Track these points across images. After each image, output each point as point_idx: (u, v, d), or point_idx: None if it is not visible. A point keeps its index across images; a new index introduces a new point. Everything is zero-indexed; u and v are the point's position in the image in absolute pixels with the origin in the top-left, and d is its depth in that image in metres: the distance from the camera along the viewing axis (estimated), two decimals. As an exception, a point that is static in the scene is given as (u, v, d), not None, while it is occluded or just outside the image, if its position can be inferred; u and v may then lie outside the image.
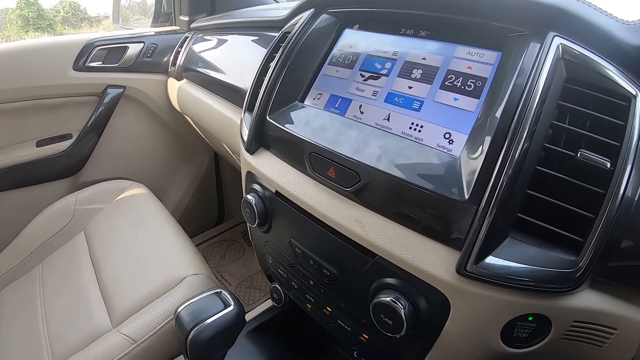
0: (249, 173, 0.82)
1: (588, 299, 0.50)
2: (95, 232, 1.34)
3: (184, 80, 1.52)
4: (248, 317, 0.97)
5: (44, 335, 1.05)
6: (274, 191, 0.75)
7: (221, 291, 0.69)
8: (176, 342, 0.94)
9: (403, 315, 0.55)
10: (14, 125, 1.50)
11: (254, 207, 0.77)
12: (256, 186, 0.79)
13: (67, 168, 1.61)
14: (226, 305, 0.66)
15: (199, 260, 1.15)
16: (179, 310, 0.65)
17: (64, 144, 1.59)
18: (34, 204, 1.50)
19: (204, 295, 0.68)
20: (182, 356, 0.90)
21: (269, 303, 1.01)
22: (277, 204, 0.75)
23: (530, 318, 0.51)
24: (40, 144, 1.56)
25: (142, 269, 1.15)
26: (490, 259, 0.48)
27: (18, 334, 1.10)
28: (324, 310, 0.75)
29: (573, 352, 0.55)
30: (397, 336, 0.57)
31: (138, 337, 0.95)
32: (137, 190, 1.48)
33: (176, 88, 1.55)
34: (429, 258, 0.53)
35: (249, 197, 0.78)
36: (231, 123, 1.10)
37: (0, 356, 1.05)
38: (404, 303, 0.55)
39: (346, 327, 0.71)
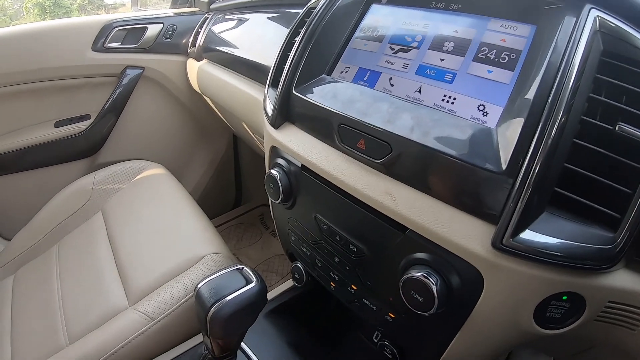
0: (272, 148, 0.80)
1: (624, 279, 0.48)
2: (113, 212, 1.33)
3: (204, 61, 1.51)
4: (269, 296, 0.95)
5: (59, 314, 1.05)
6: (299, 165, 0.73)
7: (243, 267, 0.67)
8: (194, 321, 0.95)
9: (435, 292, 0.52)
10: (32, 106, 1.51)
11: (278, 182, 0.75)
12: (280, 161, 0.77)
13: (85, 149, 1.62)
14: (248, 282, 0.64)
15: (217, 239, 1.14)
16: (199, 286, 0.63)
17: (82, 125, 1.59)
18: (52, 184, 1.51)
19: (225, 271, 0.66)
20: (200, 335, 0.89)
21: (287, 285, 0.99)
22: (302, 179, 0.74)
23: (564, 297, 0.49)
24: (58, 124, 1.56)
25: (160, 247, 1.14)
26: (527, 233, 0.46)
27: (34, 313, 1.09)
28: (349, 288, 0.73)
29: (603, 336, 0.53)
30: (427, 314, 0.55)
31: (155, 315, 0.94)
32: (155, 171, 1.46)
33: (196, 69, 1.54)
34: (463, 231, 0.51)
35: (273, 171, 0.76)
36: (253, 101, 1.09)
37: (16, 336, 1.05)
38: (435, 279, 0.53)
39: (371, 306, 0.69)
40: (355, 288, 0.72)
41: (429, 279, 0.53)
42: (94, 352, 0.90)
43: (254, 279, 0.64)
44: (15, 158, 1.51)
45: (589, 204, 0.46)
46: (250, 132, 1.36)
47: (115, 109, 1.63)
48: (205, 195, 1.94)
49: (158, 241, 1.16)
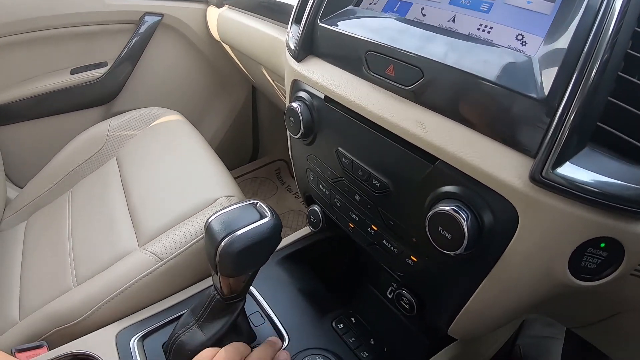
0: (294, 81, 0.76)
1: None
2: (127, 157, 1.30)
3: (225, 7, 1.46)
4: (280, 245, 0.91)
5: (69, 257, 1.03)
6: (322, 97, 0.69)
7: (257, 202, 0.62)
8: (204, 263, 0.90)
9: (465, 228, 0.48)
10: (48, 53, 1.48)
11: (299, 115, 0.71)
12: (302, 94, 0.73)
13: (101, 96, 1.59)
14: (262, 216, 0.59)
15: (232, 184, 1.11)
16: (210, 219, 0.59)
17: (99, 72, 1.56)
18: (67, 132, 1.49)
19: (238, 205, 0.62)
20: (210, 279, 0.86)
21: (301, 233, 0.96)
22: (324, 111, 0.69)
23: (602, 245, 0.44)
24: (74, 71, 1.54)
25: (173, 191, 1.11)
26: (568, 167, 0.42)
27: (43, 257, 1.08)
28: (369, 229, 0.69)
29: (633, 297, 0.49)
30: (453, 254, 0.50)
31: (164, 255, 0.91)
32: (172, 117, 1.43)
33: (216, 16, 1.49)
34: (499, 163, 0.47)
35: (294, 104, 0.72)
36: (275, 43, 1.05)
37: (25, 280, 1.04)
38: (466, 214, 0.48)
39: (392, 248, 0.65)
40: (375, 229, 0.67)
41: (459, 214, 0.48)
42: (101, 292, 0.88)
43: (269, 214, 0.60)
44: (31, 105, 1.49)
45: (634, 143, 0.41)
46: (270, 80, 1.32)
47: (132, 57, 1.59)
48: (221, 147, 1.91)
49: (171, 185, 1.13)
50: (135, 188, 1.17)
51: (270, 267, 0.88)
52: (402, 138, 0.56)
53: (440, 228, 0.51)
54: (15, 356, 0.77)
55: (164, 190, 1.13)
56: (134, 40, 1.56)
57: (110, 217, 1.11)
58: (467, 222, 0.48)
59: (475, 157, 0.48)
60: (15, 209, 1.33)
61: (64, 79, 1.52)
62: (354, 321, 0.80)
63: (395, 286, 0.81)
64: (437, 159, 0.52)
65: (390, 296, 0.85)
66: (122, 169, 1.27)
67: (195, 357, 0.61)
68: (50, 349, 0.76)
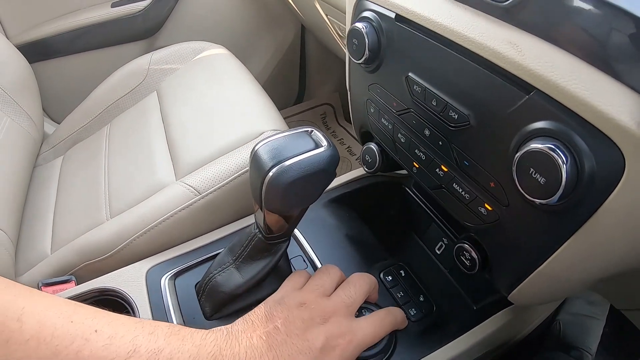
0: (358, 1, 0.68)
1: None
2: (169, 91, 1.26)
3: None
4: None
5: (103, 191, 1.01)
6: (392, 16, 0.60)
7: (312, 130, 0.55)
8: (247, 199, 0.85)
9: (564, 171, 0.40)
10: None
11: (365, 37, 0.62)
12: (368, 13, 0.64)
13: (143, 30, 1.57)
14: (318, 146, 0.52)
15: (279, 118, 1.05)
16: (257, 147, 0.52)
17: (141, 5, 1.54)
18: (107, 66, 1.45)
19: (290, 132, 0.54)
20: (251, 216, 0.81)
21: (350, 175, 0.89)
22: (395, 32, 0.61)
23: None
24: (115, 4, 1.52)
25: (215, 123, 1.05)
26: None
27: (78, 191, 1.07)
28: (437, 170, 0.61)
29: None
30: (542, 203, 0.43)
31: (203, 189, 0.86)
32: (216, 51, 1.36)
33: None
34: (609, 99, 0.39)
35: (358, 25, 0.63)
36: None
37: (59, 213, 1.04)
38: (565, 156, 0.41)
39: (464, 193, 0.57)
40: (446, 170, 0.60)
41: (557, 154, 0.41)
42: (133, 226, 0.85)
43: (325, 143, 0.52)
44: (70, 39, 1.49)
45: None
46: (322, 13, 1.24)
47: (176, -11, 1.54)
48: (266, 86, 1.84)
49: (214, 118, 1.08)
50: (176, 121, 1.12)
51: (315, 209, 0.82)
52: (490, 62, 0.48)
53: (532, 170, 0.43)
54: (41, 290, 0.75)
55: (206, 123, 1.07)
56: (178, -29, 1.50)
57: (148, 150, 1.07)
58: (566, 164, 0.40)
59: (581, 89, 0.40)
60: (52, 144, 1.32)
61: (104, 12, 1.51)
62: (403, 274, 0.74)
63: (445, 242, 0.76)
64: (534, 88, 0.44)
65: (439, 252, 0.78)
66: (162, 103, 1.23)
67: (288, 279, 0.61)
68: (78, 283, 0.73)
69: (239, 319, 0.53)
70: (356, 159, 1.86)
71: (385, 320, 0.58)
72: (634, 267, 0.47)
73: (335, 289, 0.58)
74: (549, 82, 0.42)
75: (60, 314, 0.41)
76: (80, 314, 0.43)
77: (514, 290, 0.57)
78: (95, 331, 0.41)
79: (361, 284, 0.59)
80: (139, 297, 0.68)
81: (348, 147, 1.92)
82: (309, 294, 0.56)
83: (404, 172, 0.85)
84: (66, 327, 0.41)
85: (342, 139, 1.97)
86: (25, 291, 0.42)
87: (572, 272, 0.50)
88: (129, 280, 0.71)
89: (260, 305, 0.55)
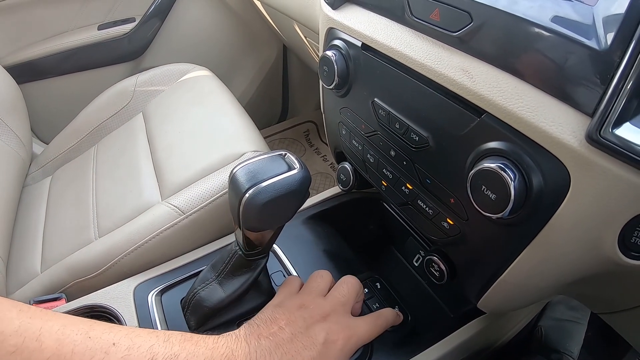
0: (329, 30, 0.71)
1: None
2: (154, 112, 1.28)
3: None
4: (306, 204, 0.89)
5: (92, 210, 1.03)
6: (359, 45, 0.64)
7: (286, 153, 0.59)
8: (227, 218, 0.88)
9: (512, 188, 0.44)
10: (75, 9, 1.50)
11: (334, 64, 0.66)
12: (337, 42, 0.68)
13: (129, 52, 1.60)
14: (290, 168, 0.55)
15: (260, 140, 1.08)
16: (235, 169, 0.55)
17: (126, 28, 1.57)
18: (94, 87, 1.48)
19: (266, 155, 0.58)
20: (232, 235, 0.84)
21: (328, 193, 0.92)
22: (361, 60, 0.65)
23: None
24: (102, 27, 1.55)
25: (199, 145, 1.09)
26: (629, 129, 0.37)
27: (67, 210, 1.09)
28: (403, 188, 0.64)
29: None
30: (495, 217, 0.46)
31: (187, 209, 0.89)
32: (200, 73, 1.40)
33: (247, -31, 1.44)
34: (552, 119, 0.42)
35: (328, 53, 0.67)
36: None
37: (48, 232, 1.05)
38: (513, 173, 0.44)
39: (427, 209, 0.61)
40: (410, 187, 0.63)
41: (506, 172, 0.44)
42: (122, 244, 0.87)
43: (298, 165, 0.56)
44: (58, 61, 1.51)
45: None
46: (302, 36, 1.28)
47: (160, 12, 1.59)
48: (250, 106, 1.88)
49: (198, 139, 1.11)
50: (161, 142, 1.15)
51: (294, 226, 0.85)
52: (445, 88, 0.52)
53: (483, 187, 0.47)
54: None
55: (190, 144, 1.10)
56: (162, -4, 1.53)
57: (135, 170, 1.10)
58: (514, 182, 0.44)
59: (526, 111, 0.44)
60: (40, 164, 1.34)
61: (91, 35, 1.53)
62: (379, 286, 0.76)
63: (422, 254, 0.79)
64: (484, 111, 0.48)
65: (416, 264, 0.81)
66: (148, 124, 1.25)
67: (284, 284, 0.64)
68: (68, 300, 0.75)
69: (244, 324, 0.55)
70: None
71: (379, 319, 0.62)
72: (588, 275, 0.49)
73: (329, 290, 0.62)
74: (497, 106, 0.46)
75: (78, 331, 0.42)
76: (97, 329, 0.44)
77: (482, 299, 0.60)
78: (114, 344, 0.42)
79: (352, 283, 0.63)
80: (128, 313, 0.70)
81: (331, 164, 1.94)
82: (307, 296, 0.59)
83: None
84: (85, 342, 0.41)
85: (325, 155, 1.99)
86: (39, 312, 0.43)
87: (532, 280, 0.52)
88: (118, 297, 0.73)
89: (262, 310, 0.58)
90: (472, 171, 0.47)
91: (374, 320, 0.61)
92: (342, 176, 0.83)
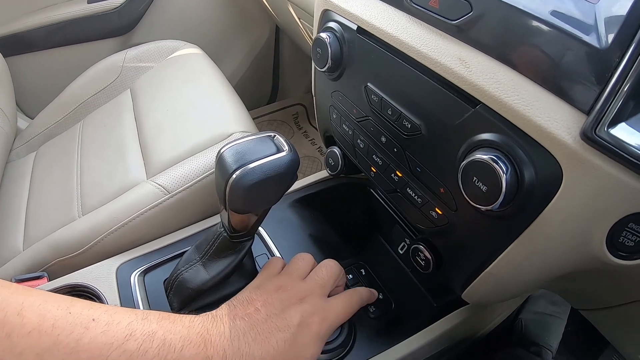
0: (324, 12, 0.70)
1: None
2: (142, 89, 1.26)
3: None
4: (293, 187, 0.88)
5: (76, 188, 1.02)
6: (354, 28, 0.63)
7: (275, 135, 0.57)
8: (213, 199, 0.87)
9: (503, 181, 0.43)
10: None
11: (328, 47, 0.65)
12: (332, 24, 0.67)
13: (118, 27, 1.56)
14: (279, 150, 0.55)
15: (248, 120, 1.07)
16: (222, 150, 0.54)
17: (117, 2, 1.53)
18: (81, 62, 1.45)
19: (254, 136, 0.56)
20: (218, 216, 0.82)
21: (315, 177, 0.91)
22: (356, 44, 0.64)
23: None
24: (91, 0, 1.51)
25: (186, 123, 1.07)
26: (624, 128, 0.37)
27: (51, 188, 1.07)
28: (392, 175, 0.64)
29: None
30: (485, 209, 0.46)
31: (172, 189, 0.88)
32: (190, 50, 1.37)
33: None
34: (547, 114, 0.42)
35: (322, 35, 0.66)
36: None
37: (31, 210, 1.04)
38: (505, 166, 0.44)
39: (416, 197, 0.60)
40: (400, 175, 0.63)
41: (498, 164, 0.44)
42: (105, 223, 0.86)
43: (286, 147, 0.55)
44: (45, 34, 1.48)
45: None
46: (295, 17, 1.26)
47: (152, -14, 1.54)
48: (239, 86, 1.86)
49: (185, 118, 1.10)
50: (148, 120, 1.13)
51: (280, 209, 0.85)
52: (441, 77, 0.51)
53: (475, 179, 0.46)
54: None
55: (177, 122, 1.09)
56: (154, -32, 1.50)
57: (120, 148, 1.08)
58: (506, 174, 0.43)
59: (522, 104, 0.43)
60: (25, 140, 1.32)
61: (80, 8, 1.49)
62: (363, 273, 0.76)
63: (408, 242, 0.78)
64: (479, 102, 0.47)
65: (401, 252, 0.81)
66: (135, 101, 1.23)
67: (266, 265, 0.65)
68: (50, 279, 0.75)
69: (223, 304, 0.55)
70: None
71: (353, 298, 0.62)
72: (573, 271, 0.49)
73: (309, 274, 0.62)
74: (493, 97, 0.45)
75: (59, 307, 0.43)
76: (78, 306, 0.44)
77: (467, 290, 0.59)
78: (93, 320, 0.43)
79: (332, 266, 0.63)
80: (110, 293, 0.70)
81: (319, 148, 1.94)
82: (286, 278, 0.60)
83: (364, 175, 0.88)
84: (66, 318, 0.42)
85: (314, 139, 1.99)
86: (21, 289, 0.44)
87: (518, 274, 0.52)
88: (100, 276, 0.73)
89: (241, 291, 0.59)
90: (464, 162, 0.47)
91: (348, 298, 0.61)
92: (330, 160, 0.82)
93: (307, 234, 0.82)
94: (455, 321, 0.70)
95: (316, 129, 1.99)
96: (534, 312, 1.02)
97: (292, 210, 0.86)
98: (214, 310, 0.54)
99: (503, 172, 0.43)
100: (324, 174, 0.91)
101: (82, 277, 0.72)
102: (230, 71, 1.85)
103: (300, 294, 0.57)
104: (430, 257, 0.63)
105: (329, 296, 0.61)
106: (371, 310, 0.70)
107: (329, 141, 0.84)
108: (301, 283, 0.59)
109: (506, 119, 0.45)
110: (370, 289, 0.68)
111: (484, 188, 0.45)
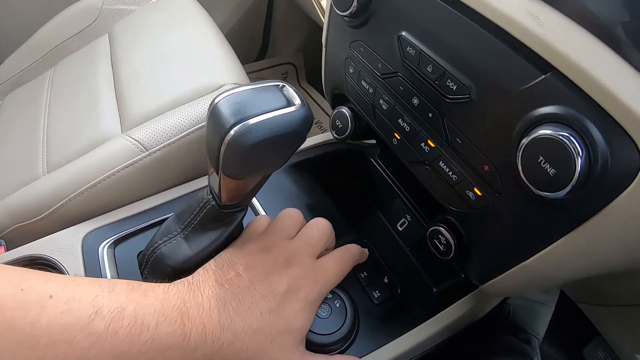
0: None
1: None
2: (122, 34, 1.16)
3: None
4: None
5: (41, 142, 0.93)
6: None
7: (284, 85, 0.48)
8: (198, 159, 0.80)
9: (578, 164, 0.36)
10: None
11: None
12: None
13: None
14: (290, 103, 0.45)
15: (241, 71, 0.97)
16: (217, 99, 0.44)
17: None
18: (57, 2, 1.35)
19: (258, 85, 0.47)
20: (203, 179, 0.76)
21: (314, 140, 0.84)
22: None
23: None
24: None
25: (170, 73, 0.97)
26: None
27: (14, 142, 0.98)
28: (422, 144, 0.56)
29: None
30: (543, 195, 0.40)
31: (150, 145, 0.78)
32: (177, -6, 1.28)
33: None
34: (633, 92, 0.35)
35: None
36: None
37: None
38: (580, 147, 0.37)
39: (451, 173, 0.53)
40: (432, 145, 0.54)
41: (573, 144, 0.36)
42: (71, 183, 0.77)
43: (298, 100, 0.46)
44: None
45: None
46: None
47: None
48: (228, 38, 1.75)
49: (169, 67, 0.99)
50: (127, 68, 1.03)
51: (275, 174, 0.77)
52: (506, 32, 0.43)
53: (541, 159, 0.39)
54: None
55: (160, 71, 0.98)
56: None
57: (94, 98, 0.98)
58: (581, 157, 0.37)
59: (605, 77, 0.37)
60: (-10, 87, 1.23)
61: None
62: (367, 253, 0.70)
63: (408, 219, 0.72)
64: (552, 68, 0.40)
65: (400, 229, 0.74)
66: (113, 47, 1.13)
67: (250, 223, 0.59)
68: (8, 248, 0.69)
69: (200, 268, 0.51)
70: (316, 125, 1.81)
71: (345, 256, 0.59)
72: (618, 270, 0.46)
73: (298, 233, 0.58)
74: (571, 63, 0.38)
75: (8, 283, 0.38)
76: (31, 279, 0.40)
77: (490, 281, 0.54)
78: (51, 297, 0.39)
79: (323, 224, 0.59)
80: (74, 267, 0.64)
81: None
82: (271, 236, 0.55)
83: (373, 141, 0.81)
84: (17, 296, 0.38)
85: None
86: None
87: (559, 270, 0.47)
88: (63, 247, 0.66)
89: (220, 253, 0.54)
90: (527, 138, 0.40)
91: (340, 256, 0.58)
92: (338, 122, 0.73)
93: (304, 204, 0.76)
94: (460, 311, 0.65)
95: (306, 91, 1.91)
96: (523, 298, 1.01)
97: (287, 176, 0.79)
98: (190, 276, 0.50)
99: (578, 153, 0.37)
100: (324, 137, 0.84)
101: (43, 247, 0.66)
102: (219, 22, 1.71)
103: (287, 254, 0.53)
104: (452, 243, 0.56)
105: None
106: (375, 296, 0.65)
107: (338, 100, 0.75)
108: (288, 242, 0.55)
109: (584, 92, 0.38)
110: (362, 249, 0.65)
111: (551, 171, 0.38)
